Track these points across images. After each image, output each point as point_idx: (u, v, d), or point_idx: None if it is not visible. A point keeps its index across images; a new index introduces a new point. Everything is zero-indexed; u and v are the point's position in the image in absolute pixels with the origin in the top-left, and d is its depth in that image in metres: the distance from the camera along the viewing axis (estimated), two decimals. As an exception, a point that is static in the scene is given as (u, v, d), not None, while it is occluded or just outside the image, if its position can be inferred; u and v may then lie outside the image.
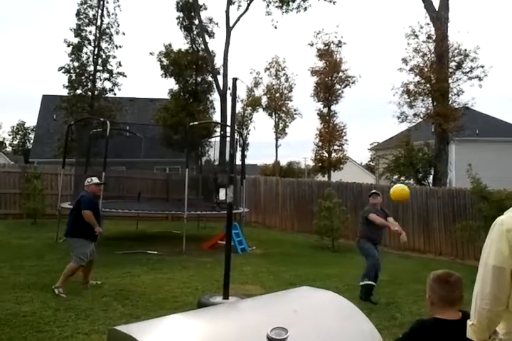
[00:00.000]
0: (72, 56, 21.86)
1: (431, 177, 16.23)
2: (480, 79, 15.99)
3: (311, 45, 27.33)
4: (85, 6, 22.15)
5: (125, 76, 22.92)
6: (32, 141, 35.85)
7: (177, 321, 2.06)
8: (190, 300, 6.49)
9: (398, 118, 16.80)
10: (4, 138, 66.55)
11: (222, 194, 12.15)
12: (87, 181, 7.34)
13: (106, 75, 22.52)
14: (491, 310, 1.99)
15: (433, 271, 2.49)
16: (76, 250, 6.84)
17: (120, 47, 22.74)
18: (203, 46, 22.60)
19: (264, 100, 35.63)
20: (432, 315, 2.42)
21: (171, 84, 24.06)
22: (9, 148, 66.33)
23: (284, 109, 35.26)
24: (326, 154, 26.96)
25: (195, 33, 22.90)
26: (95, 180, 7.39)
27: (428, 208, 12.29)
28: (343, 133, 27.28)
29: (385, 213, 7.52)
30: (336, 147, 27.14)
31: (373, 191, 7.72)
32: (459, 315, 2.33)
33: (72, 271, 6.79)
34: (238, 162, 14.17)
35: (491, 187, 10.65)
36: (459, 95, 16.23)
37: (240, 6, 23.65)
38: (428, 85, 16.08)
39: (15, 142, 66.99)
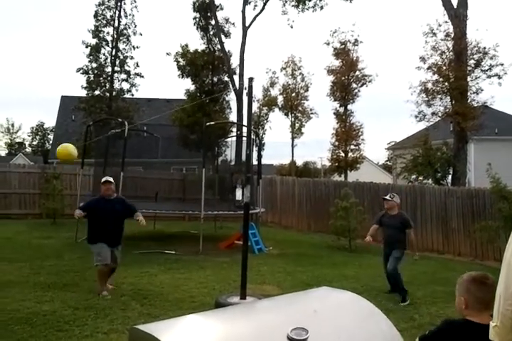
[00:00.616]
0: (90, 57, 22.11)
1: (449, 176, 16.06)
2: (499, 77, 15.80)
3: (328, 44, 27.31)
4: (103, 7, 22.39)
5: (142, 77, 23.13)
6: (51, 142, 36.31)
7: (196, 321, 2.07)
8: (207, 300, 6.51)
9: (416, 117, 16.69)
10: (24, 139, 67.63)
11: (238, 194, 12.18)
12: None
13: (123, 76, 22.76)
14: None
15: (467, 273, 2.44)
16: (94, 253, 6.82)
17: (137, 47, 22.96)
18: (219, 46, 22.66)
19: (280, 100, 35.62)
20: (465, 317, 2.37)
21: (188, 84, 24.20)
22: (29, 149, 67.37)
23: (300, 108, 35.19)
24: (343, 154, 26.89)
25: (211, 33, 22.97)
26: (103, 179, 7.06)
27: (447, 208, 12.17)
28: (360, 133, 27.20)
29: (398, 221, 7.15)
30: (352, 146, 27.06)
31: (384, 196, 7.50)
32: (490, 319, 2.28)
33: (98, 273, 6.72)
34: (254, 162, 14.19)
35: (511, 187, 10.50)
36: (477, 93, 16.05)
37: (256, 5, 23.68)
38: (446, 83, 15.92)
39: (34, 143, 68.05)
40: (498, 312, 2.01)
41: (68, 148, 7.27)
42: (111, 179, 7.05)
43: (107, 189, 6.90)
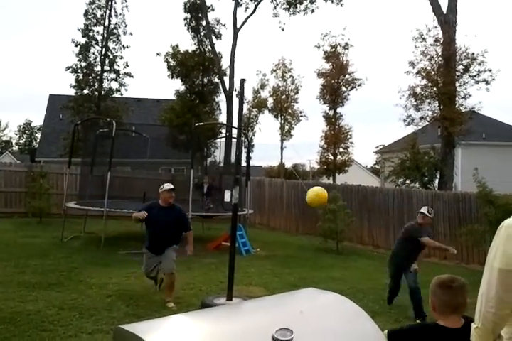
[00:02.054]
0: (80, 56, 21.95)
1: (437, 181, 16.17)
2: (487, 83, 15.95)
3: (318, 47, 27.40)
4: (93, 6, 22.24)
5: (132, 76, 22.99)
6: (38, 140, 36.02)
7: (181, 321, 2.06)
8: (193, 301, 6.49)
9: (404, 121, 16.79)
10: (11, 138, 66.99)
11: (227, 195, 12.16)
12: (160, 188, 6.63)
13: (113, 75, 22.59)
14: (496, 313, 1.98)
15: (437, 276, 2.47)
16: None
17: (127, 47, 22.82)
18: (209, 47, 22.66)
19: (270, 102, 35.66)
20: (435, 320, 2.40)
21: (178, 85, 24.15)
22: (15, 147, 66.74)
23: (290, 110, 35.25)
24: (332, 156, 26.98)
25: (202, 34, 22.96)
26: (167, 186, 6.62)
27: (433, 212, 12.22)
28: (349, 136, 27.33)
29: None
30: (341, 149, 27.18)
31: (421, 211, 6.99)
32: (460, 322, 2.31)
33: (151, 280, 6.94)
34: (243, 163, 14.18)
35: (496, 192, 10.60)
36: (465, 99, 16.19)
37: (247, 7, 23.74)
38: (435, 88, 16.05)
39: (21, 141, 67.43)
40: (479, 314, 2.03)
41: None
42: (172, 186, 6.73)
43: (170, 197, 6.57)
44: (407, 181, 16.42)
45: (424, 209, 6.86)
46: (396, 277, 6.91)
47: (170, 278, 6.35)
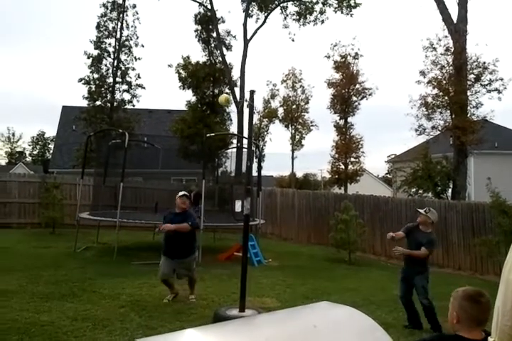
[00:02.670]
0: (92, 68, 22.22)
1: (449, 190, 16.05)
2: (499, 91, 15.87)
3: (328, 57, 27.50)
4: (105, 19, 22.55)
5: (144, 88, 23.22)
6: (51, 152, 36.35)
7: (194, 335, 2.07)
8: (206, 312, 6.49)
9: (416, 130, 16.74)
10: (24, 149, 67.72)
11: (238, 205, 12.17)
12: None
13: (125, 87, 22.83)
14: None
15: (462, 288, 2.41)
16: None
17: (139, 59, 23.06)
18: (220, 58, 22.82)
19: (280, 112, 35.76)
20: (455, 332, 2.36)
21: (189, 95, 24.29)
22: (29, 158, 67.41)
23: (301, 120, 35.32)
24: (343, 166, 26.92)
25: (212, 45, 23.14)
26: (180, 193, 7.20)
27: (447, 222, 12.15)
28: (360, 145, 27.28)
29: (425, 239, 6.39)
30: (352, 159, 27.12)
31: (418, 209, 6.85)
32: (481, 336, 2.27)
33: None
34: (254, 173, 14.21)
35: (510, 201, 10.51)
36: (477, 108, 16.12)
37: (258, 19, 23.95)
38: (446, 98, 16.00)
39: (35, 152, 68.12)
40: (496, 328, 2.02)
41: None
42: (186, 193, 7.34)
43: (182, 202, 7.12)
44: (420, 191, 16.31)
45: (421, 209, 6.64)
46: (404, 285, 6.56)
47: (191, 278, 7.18)
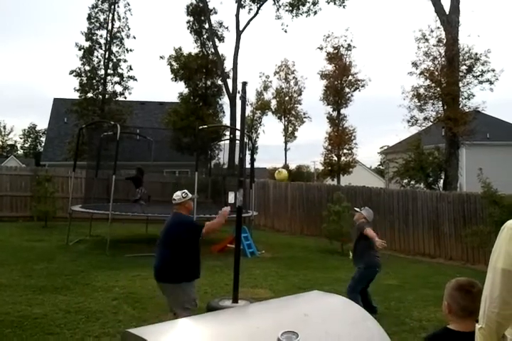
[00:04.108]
0: (84, 60, 22.02)
1: (441, 181, 16.14)
2: (491, 83, 15.90)
3: (321, 48, 27.39)
4: (96, 10, 22.30)
5: (135, 80, 23.03)
6: (43, 144, 36.13)
7: (188, 324, 2.08)
8: (199, 303, 6.50)
9: (408, 122, 16.76)
10: (16, 141, 67.33)
11: (231, 197, 12.18)
12: (180, 196, 5.09)
13: (116, 79, 22.62)
14: (500, 313, 1.98)
15: (455, 279, 2.42)
16: (179, 298, 4.87)
17: (131, 50, 22.86)
18: (212, 50, 22.70)
19: (273, 103, 35.74)
20: (448, 322, 2.37)
21: (181, 87, 24.20)
22: (20, 151, 67.06)
23: (294, 112, 35.32)
24: (336, 158, 26.95)
25: (205, 36, 23.00)
26: (189, 193, 5.22)
27: (438, 212, 12.24)
28: (353, 137, 27.29)
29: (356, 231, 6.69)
30: (345, 150, 27.14)
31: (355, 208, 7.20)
32: (473, 326, 2.28)
33: None
34: (247, 165, 14.20)
35: (501, 192, 10.58)
36: (469, 99, 16.14)
37: (250, 9, 23.81)
38: (438, 89, 16.02)
39: (26, 145, 67.74)
40: (483, 315, 2.04)
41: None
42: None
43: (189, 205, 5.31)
44: (412, 182, 16.39)
45: (356, 209, 7.01)
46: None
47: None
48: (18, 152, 66.18)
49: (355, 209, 7.01)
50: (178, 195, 5.11)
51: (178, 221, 5.05)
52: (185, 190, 5.22)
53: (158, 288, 5.06)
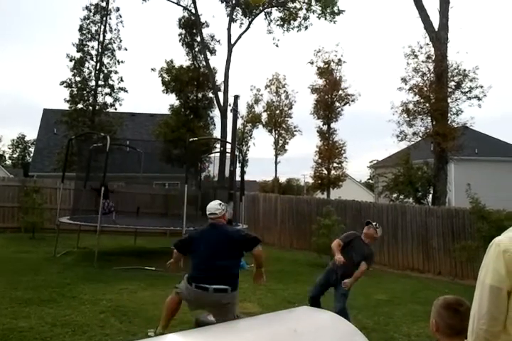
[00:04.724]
0: (74, 71, 22.03)
1: (430, 196, 16.23)
2: (479, 99, 16.09)
3: (311, 63, 27.61)
4: (88, 22, 22.39)
5: (126, 91, 23.07)
6: (32, 155, 35.88)
7: (176, 340, 2.06)
8: (187, 317, 6.43)
9: (397, 136, 16.87)
10: (4, 152, 66.76)
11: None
12: (220, 209, 4.98)
13: (107, 90, 22.66)
14: (488, 330, 1.99)
15: (442, 297, 2.41)
16: (234, 307, 5.00)
17: (122, 62, 22.94)
18: (204, 63, 22.80)
19: (264, 117, 35.85)
20: (437, 340, 2.36)
21: (172, 99, 24.24)
22: (9, 162, 66.48)
23: (284, 125, 35.43)
24: (326, 171, 27.04)
25: (196, 49, 23.12)
26: (225, 204, 5.19)
27: (427, 227, 12.29)
28: (343, 151, 27.41)
29: (365, 252, 6.20)
30: (335, 164, 27.24)
31: (369, 220, 6.77)
32: None
33: None
34: (238, 178, 14.20)
35: (490, 207, 10.67)
36: (458, 115, 16.30)
37: (242, 23, 24.00)
38: (427, 104, 16.18)
39: (15, 155, 67.18)
40: (472, 332, 2.05)
41: None
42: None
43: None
44: (401, 196, 16.46)
45: (373, 223, 6.56)
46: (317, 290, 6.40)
47: None
48: (6, 162, 65.58)
49: (372, 223, 6.52)
50: (218, 208, 4.97)
51: (237, 233, 5.16)
52: (218, 201, 5.17)
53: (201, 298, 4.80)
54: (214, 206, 4.98)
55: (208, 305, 4.92)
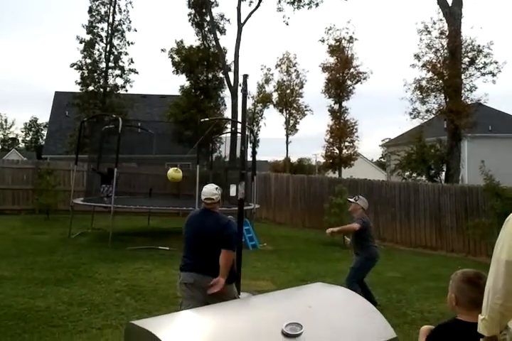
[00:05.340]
0: (85, 53, 21.95)
1: (443, 174, 16.12)
2: (493, 75, 15.83)
3: (322, 41, 27.24)
4: (97, 3, 22.19)
5: (137, 73, 22.95)
6: (44, 138, 36.12)
7: (192, 316, 2.08)
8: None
9: (410, 114, 16.71)
10: (17, 135, 67.34)
11: (233, 190, 12.19)
12: (217, 194, 4.51)
13: (118, 72, 22.56)
14: (504, 305, 1.99)
15: (461, 270, 2.42)
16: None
17: (132, 43, 22.78)
18: (214, 43, 22.59)
19: (274, 96, 35.61)
20: (456, 314, 2.37)
21: (182, 80, 24.11)
22: (22, 145, 67.07)
23: (295, 105, 35.20)
24: (337, 150, 26.91)
25: (206, 29, 22.89)
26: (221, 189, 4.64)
27: (440, 205, 12.23)
28: (354, 130, 27.22)
29: None
30: (346, 143, 27.07)
31: (348, 198, 6.96)
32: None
33: None
34: (249, 158, 14.18)
35: (504, 184, 10.57)
36: (471, 91, 16.08)
37: (251, 2, 23.60)
38: (441, 81, 15.95)
39: (28, 138, 67.74)
40: (486, 306, 2.04)
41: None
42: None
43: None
44: (414, 174, 16.37)
45: (350, 198, 6.76)
46: None
47: None
48: (20, 145, 66.21)
49: (349, 199, 6.80)
50: (214, 193, 4.45)
51: (227, 224, 4.40)
52: (215, 185, 4.63)
53: (193, 282, 4.40)
54: (210, 191, 4.46)
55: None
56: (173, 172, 9.20)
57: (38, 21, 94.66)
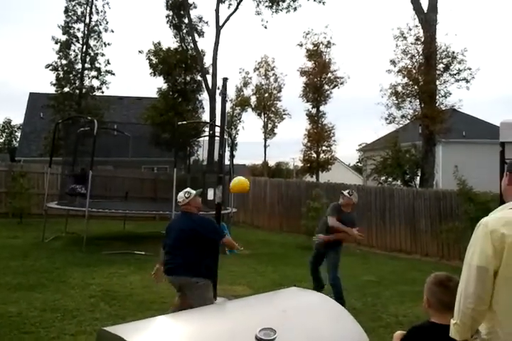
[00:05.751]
0: (60, 53, 21.65)
1: (418, 178, 16.34)
2: (467, 81, 16.12)
3: (301, 45, 27.41)
4: (74, 3, 21.93)
5: (113, 74, 22.74)
6: (18, 139, 35.49)
7: (165, 322, 2.06)
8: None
9: (386, 119, 16.89)
10: (-10, 136, 65.87)
11: (210, 194, 12.15)
12: (183, 197, 4.87)
13: (94, 73, 22.32)
14: (475, 309, 2.02)
15: (434, 273, 2.46)
16: (205, 294, 4.76)
17: (109, 44, 22.57)
18: (192, 45, 22.52)
19: (253, 100, 35.66)
20: (429, 317, 2.42)
21: (160, 82, 23.91)
22: (-5, 146, 65.66)
23: (273, 109, 35.30)
24: (315, 155, 27.06)
25: (184, 31, 22.79)
26: (192, 191, 5.00)
27: (415, 209, 12.38)
28: (332, 134, 27.42)
29: (351, 220, 6.82)
30: (324, 147, 27.25)
31: (343, 191, 7.11)
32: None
33: None
34: (227, 162, 14.18)
35: (476, 189, 10.76)
36: (446, 97, 16.35)
37: (230, 4, 23.59)
38: (416, 87, 16.18)
39: (1, 140, 66.38)
40: (458, 310, 2.07)
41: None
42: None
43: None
44: (389, 179, 16.55)
45: (345, 191, 6.95)
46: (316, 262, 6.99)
47: None
48: (-8, 147, 64.84)
49: (344, 192, 6.88)
50: (181, 196, 4.91)
51: (200, 222, 4.86)
52: (188, 189, 5.03)
53: (173, 284, 4.86)
54: (180, 194, 4.97)
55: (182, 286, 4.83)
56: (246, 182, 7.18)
57: (13, 20, 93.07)
